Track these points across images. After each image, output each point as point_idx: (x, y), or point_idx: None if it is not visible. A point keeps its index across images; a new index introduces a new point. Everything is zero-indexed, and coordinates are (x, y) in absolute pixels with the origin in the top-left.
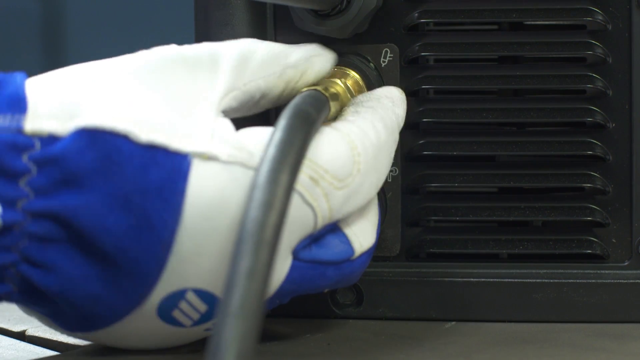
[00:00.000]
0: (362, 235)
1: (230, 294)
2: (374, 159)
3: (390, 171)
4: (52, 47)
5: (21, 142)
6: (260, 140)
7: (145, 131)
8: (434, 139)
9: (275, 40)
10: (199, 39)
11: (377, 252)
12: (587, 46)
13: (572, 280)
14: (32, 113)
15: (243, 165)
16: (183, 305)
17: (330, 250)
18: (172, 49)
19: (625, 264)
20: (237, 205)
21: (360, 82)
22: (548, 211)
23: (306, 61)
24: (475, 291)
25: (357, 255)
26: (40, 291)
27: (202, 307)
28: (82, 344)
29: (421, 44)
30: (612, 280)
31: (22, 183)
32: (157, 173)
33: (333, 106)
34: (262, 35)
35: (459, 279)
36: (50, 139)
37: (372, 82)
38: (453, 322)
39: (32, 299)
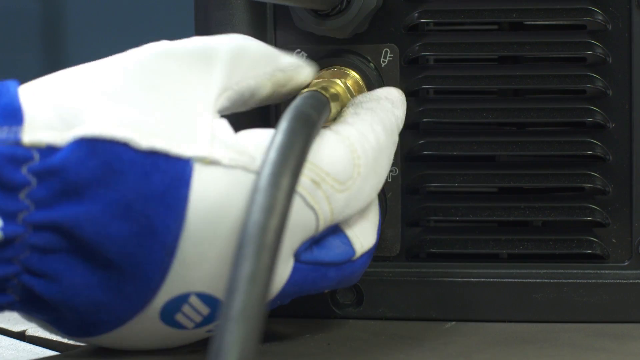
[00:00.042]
0: (363, 235)
1: (231, 298)
2: (373, 161)
3: (390, 171)
4: (52, 47)
5: (20, 154)
6: (261, 143)
7: (145, 137)
8: (434, 139)
9: (275, 40)
10: None
11: (377, 252)
12: (587, 46)
13: (572, 280)
14: (29, 124)
15: (245, 169)
16: (186, 308)
17: (331, 251)
18: (163, 46)
19: (625, 264)
20: (240, 210)
21: (360, 82)
22: (548, 211)
23: (294, 69)
24: (475, 291)
25: (358, 256)
26: (42, 300)
27: (205, 310)
28: (82, 344)
29: (421, 44)
30: (612, 280)
31: (23, 195)
32: (159, 179)
33: (333, 107)
34: (262, 35)
35: (459, 279)
36: (49, 150)
37: (372, 82)
38: (453, 322)
39: (34, 307)
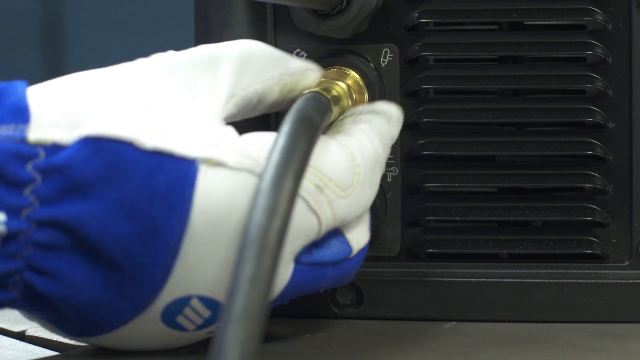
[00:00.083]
0: (358, 233)
1: (232, 300)
2: (371, 171)
3: (390, 171)
4: (52, 47)
5: (25, 151)
6: (265, 146)
7: (150, 137)
8: (434, 139)
9: (275, 40)
10: (199, 39)
11: (377, 252)
12: (587, 46)
13: (572, 280)
14: (35, 123)
15: (250, 172)
16: (187, 311)
17: (329, 250)
18: (170, 56)
19: (625, 264)
20: (244, 213)
21: (360, 82)
22: (548, 211)
23: (302, 73)
24: (475, 291)
25: (355, 253)
26: (43, 297)
27: (206, 313)
28: (82, 344)
29: (421, 44)
30: (612, 280)
31: (27, 192)
32: (164, 179)
33: (334, 108)
34: (262, 36)
35: (459, 279)
36: (54, 148)
37: (372, 82)
38: (453, 322)
39: (35, 305)
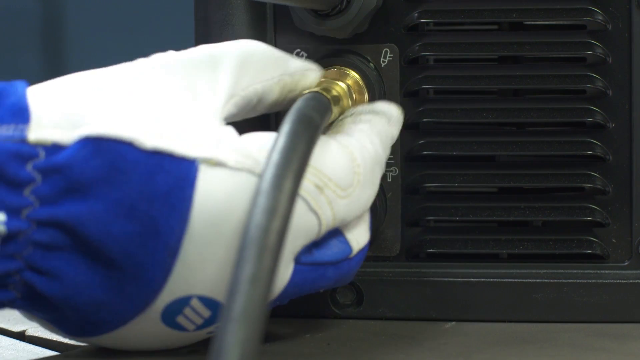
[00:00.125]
0: (358, 233)
1: (232, 300)
2: (371, 171)
3: (390, 171)
4: (52, 47)
5: (25, 151)
6: (265, 146)
7: (150, 137)
8: (434, 139)
9: (275, 40)
10: (198, 39)
11: (377, 252)
12: (587, 46)
13: (572, 280)
14: (35, 123)
15: (250, 172)
16: (187, 311)
17: (329, 250)
18: (170, 56)
19: (625, 264)
20: (244, 212)
21: (360, 82)
22: (548, 211)
23: (302, 73)
24: (475, 291)
25: (355, 253)
26: (43, 297)
27: (206, 313)
28: (82, 344)
29: (421, 44)
30: (612, 280)
31: (27, 192)
32: (164, 179)
33: (334, 108)
34: (262, 36)
35: (459, 279)
36: (54, 148)
37: (372, 82)
38: (453, 322)
39: (35, 305)
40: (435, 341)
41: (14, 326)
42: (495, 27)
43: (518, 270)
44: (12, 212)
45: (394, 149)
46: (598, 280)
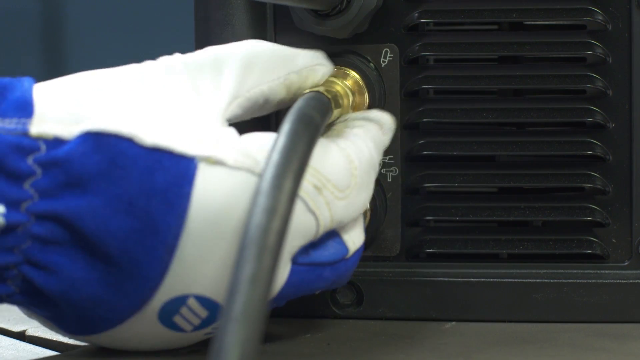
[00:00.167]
0: (354, 233)
1: (232, 300)
2: (367, 174)
3: (390, 171)
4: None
5: (26, 144)
6: (265, 146)
7: (150, 134)
8: (434, 139)
9: (275, 40)
10: (199, 39)
11: (377, 252)
12: (587, 46)
13: (572, 280)
14: (38, 117)
15: (249, 171)
16: (184, 311)
17: (326, 251)
18: (177, 59)
19: (625, 264)
20: (243, 212)
21: (360, 82)
22: (548, 211)
23: (310, 68)
24: (475, 291)
25: (351, 254)
26: (41, 293)
27: (204, 313)
28: (82, 344)
29: (421, 44)
30: (612, 280)
31: (27, 185)
32: (163, 176)
33: (335, 108)
34: (262, 36)
35: (459, 279)
36: (55, 142)
37: (372, 82)
38: (453, 322)
39: (33, 300)
40: (435, 341)
41: (14, 326)
42: (495, 27)
43: (518, 270)
44: (12, 205)
45: (394, 149)
46: (598, 280)
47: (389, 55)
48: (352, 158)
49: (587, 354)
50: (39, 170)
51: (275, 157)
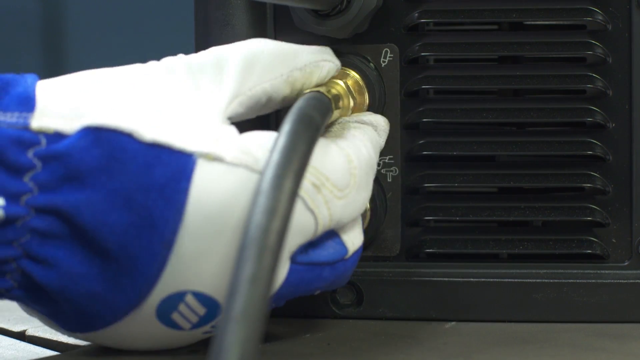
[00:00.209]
0: (353, 234)
1: (233, 299)
2: (366, 174)
3: (390, 171)
4: (52, 47)
5: (27, 138)
6: (265, 144)
7: (150, 130)
8: (434, 139)
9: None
10: (199, 39)
11: (377, 252)
12: (587, 46)
13: (572, 280)
14: (39, 111)
15: (248, 168)
16: (182, 308)
17: (325, 251)
18: (180, 59)
19: (625, 264)
20: (241, 209)
21: (360, 82)
22: (548, 211)
23: (314, 64)
24: (475, 291)
25: (350, 254)
26: (40, 288)
27: (201, 310)
28: (82, 344)
29: (421, 44)
30: (612, 280)
31: (27, 178)
32: (161, 171)
33: (335, 108)
34: (262, 36)
35: (459, 279)
36: (56, 137)
37: (372, 82)
38: (453, 322)
39: (31, 296)
40: (435, 341)
41: (14, 326)
42: (495, 27)
43: (518, 270)
44: (11, 198)
45: (394, 149)
46: (598, 280)
47: (389, 55)
48: (352, 158)
49: (587, 354)
50: (39, 164)
51: (276, 157)
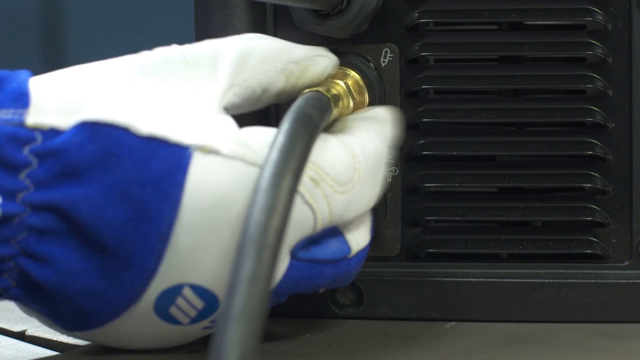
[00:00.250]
0: (358, 234)
1: (232, 297)
2: (373, 170)
3: (390, 171)
4: (52, 47)
5: (23, 135)
6: (264, 140)
7: (145, 124)
8: (434, 139)
9: None
10: (199, 39)
11: (377, 252)
12: (587, 46)
13: (572, 280)
14: (34, 108)
15: (244, 161)
16: (180, 301)
17: (327, 249)
18: (173, 49)
19: (625, 264)
20: (237, 202)
21: (360, 82)
22: (548, 211)
23: (309, 59)
24: (475, 291)
25: (354, 254)
26: (38, 286)
27: (199, 303)
28: (82, 344)
29: (421, 44)
30: (612, 280)
31: (23, 175)
32: (157, 165)
33: (334, 108)
34: None
35: (459, 279)
36: (51, 133)
37: (372, 82)
38: (453, 322)
39: (29, 294)
40: (435, 341)
41: (14, 326)
42: (495, 27)
43: (518, 270)
44: (8, 195)
45: (394, 149)
46: (598, 280)
47: (389, 55)
48: (356, 152)
49: (587, 354)
50: (34, 161)
51: (274, 155)
